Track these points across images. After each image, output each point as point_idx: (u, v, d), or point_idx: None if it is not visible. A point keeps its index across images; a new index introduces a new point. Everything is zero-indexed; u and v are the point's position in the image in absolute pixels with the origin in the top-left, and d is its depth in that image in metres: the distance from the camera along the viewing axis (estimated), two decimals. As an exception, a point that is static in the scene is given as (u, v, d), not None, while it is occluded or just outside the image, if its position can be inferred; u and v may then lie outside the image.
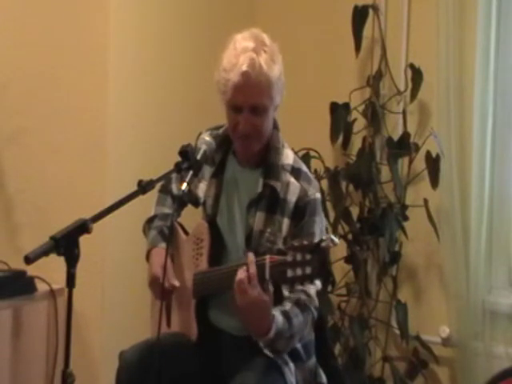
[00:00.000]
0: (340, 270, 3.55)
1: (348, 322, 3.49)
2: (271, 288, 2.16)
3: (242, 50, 2.30)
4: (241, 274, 2.15)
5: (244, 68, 2.27)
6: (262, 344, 2.26)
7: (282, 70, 2.35)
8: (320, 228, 2.39)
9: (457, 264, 3.34)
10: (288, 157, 2.44)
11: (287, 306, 2.27)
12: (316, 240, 2.14)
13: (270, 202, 2.37)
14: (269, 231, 2.35)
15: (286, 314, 2.24)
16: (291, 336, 2.26)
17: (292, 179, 2.39)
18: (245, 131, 2.34)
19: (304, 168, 2.46)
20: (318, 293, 2.35)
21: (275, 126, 2.45)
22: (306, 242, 2.06)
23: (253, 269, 2.14)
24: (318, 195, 2.42)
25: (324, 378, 2.44)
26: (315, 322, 2.40)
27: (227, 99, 2.33)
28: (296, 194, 2.37)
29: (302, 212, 2.36)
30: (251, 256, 2.17)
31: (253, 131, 2.34)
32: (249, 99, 2.30)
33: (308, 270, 2.03)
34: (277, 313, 2.22)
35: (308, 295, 2.30)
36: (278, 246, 2.31)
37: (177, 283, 2.40)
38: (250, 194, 2.41)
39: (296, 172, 2.42)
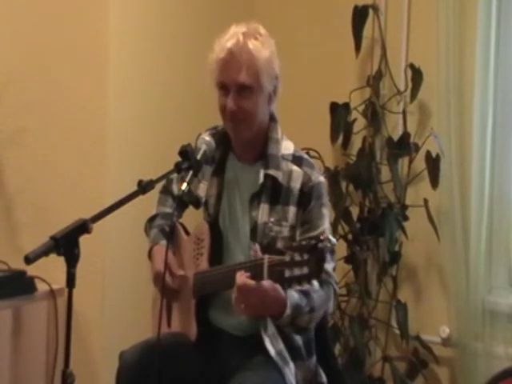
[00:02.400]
0: (340, 270, 3.54)
1: (348, 322, 3.49)
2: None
3: (232, 33, 2.34)
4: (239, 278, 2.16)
5: (229, 45, 2.31)
6: (282, 325, 2.26)
7: (274, 57, 2.36)
8: (328, 211, 2.40)
9: (457, 264, 3.34)
10: (288, 147, 2.44)
11: (305, 286, 2.23)
12: (325, 224, 2.22)
13: (273, 192, 2.38)
14: (272, 221, 2.35)
15: (302, 291, 2.24)
16: (311, 309, 2.27)
17: (294, 167, 2.40)
18: (231, 110, 2.33)
19: (305, 156, 2.47)
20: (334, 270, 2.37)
21: (273, 119, 2.44)
22: (304, 242, 2.07)
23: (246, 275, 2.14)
24: (322, 179, 2.43)
25: (324, 378, 2.45)
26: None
27: (214, 78, 2.36)
28: (300, 181, 2.38)
29: (308, 197, 2.37)
30: (256, 247, 2.18)
31: (240, 113, 2.34)
32: (233, 75, 2.31)
33: (305, 270, 2.03)
34: (292, 292, 2.22)
35: (326, 272, 2.26)
36: (284, 235, 2.32)
37: (182, 272, 2.42)
38: (251, 189, 2.41)
39: (297, 160, 2.42)
